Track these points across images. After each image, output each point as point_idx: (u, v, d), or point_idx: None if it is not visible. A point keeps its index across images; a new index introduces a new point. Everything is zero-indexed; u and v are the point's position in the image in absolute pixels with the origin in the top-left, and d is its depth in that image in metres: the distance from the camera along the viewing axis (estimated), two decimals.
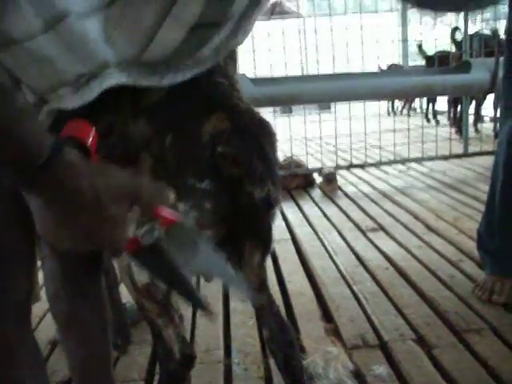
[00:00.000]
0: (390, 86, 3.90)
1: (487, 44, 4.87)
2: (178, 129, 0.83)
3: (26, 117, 0.57)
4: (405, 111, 9.30)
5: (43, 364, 1.28)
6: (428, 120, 7.59)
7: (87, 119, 0.63)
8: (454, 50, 5.55)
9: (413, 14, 8.60)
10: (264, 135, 0.92)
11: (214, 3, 0.74)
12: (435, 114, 7.65)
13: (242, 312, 2.01)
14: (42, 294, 1.95)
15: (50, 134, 0.56)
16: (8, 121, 0.53)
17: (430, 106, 7.84)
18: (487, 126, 6.10)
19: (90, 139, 0.60)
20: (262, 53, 4.27)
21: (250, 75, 3.84)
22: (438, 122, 7.15)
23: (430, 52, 6.50)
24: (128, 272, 0.93)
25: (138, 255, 0.66)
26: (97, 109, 0.88)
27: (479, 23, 6.40)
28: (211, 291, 2.21)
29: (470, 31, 5.12)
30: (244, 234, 0.95)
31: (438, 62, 5.11)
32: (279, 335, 1.08)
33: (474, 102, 5.95)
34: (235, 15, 0.80)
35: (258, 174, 0.87)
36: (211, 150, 0.84)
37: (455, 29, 5.37)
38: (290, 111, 9.09)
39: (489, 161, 3.58)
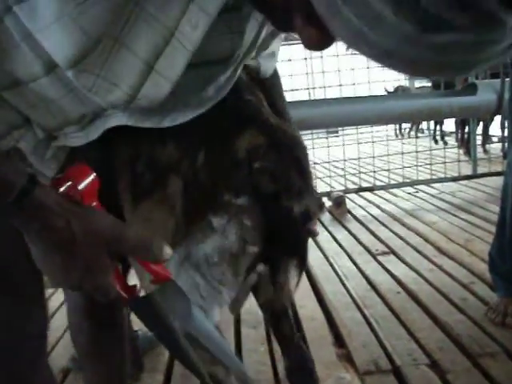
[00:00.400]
0: (396, 110, 3.91)
1: (492, 66, 4.88)
2: (210, 147, 0.80)
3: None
4: (412, 133, 9.34)
5: None
6: (436, 142, 7.60)
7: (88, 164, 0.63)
8: None
9: None
10: (298, 148, 0.90)
11: (222, 39, 0.75)
12: (443, 135, 7.66)
13: (254, 339, 2.00)
14: (53, 321, 1.98)
15: (24, 175, 0.56)
16: None
17: (438, 127, 7.86)
18: (495, 147, 6.09)
19: (85, 183, 0.60)
20: None
21: None
22: (446, 144, 7.15)
23: None
24: None
25: (131, 306, 0.63)
26: (120, 137, 0.89)
27: None
28: (222, 317, 2.20)
29: None
30: (282, 250, 0.90)
31: (443, 83, 5.13)
32: (300, 366, 1.05)
33: (481, 123, 5.96)
34: (241, 53, 0.79)
35: (297, 188, 0.85)
36: (248, 166, 0.81)
37: None
38: None
39: (498, 181, 3.57)
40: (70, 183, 0.59)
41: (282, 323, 1.05)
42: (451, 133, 7.58)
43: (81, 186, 0.60)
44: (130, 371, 1.81)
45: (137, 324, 2.02)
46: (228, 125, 0.83)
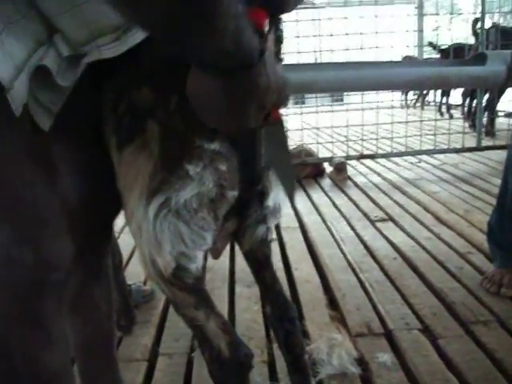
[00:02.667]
0: (403, 76, 3.84)
1: (504, 36, 4.80)
2: (183, 90, 0.77)
3: (244, 13, 0.64)
4: (418, 104, 9.25)
5: None
6: (441, 113, 7.53)
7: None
8: (470, 42, 5.49)
9: (430, 6, 8.53)
10: None
11: None
12: (449, 107, 7.57)
13: (248, 297, 2.01)
14: None
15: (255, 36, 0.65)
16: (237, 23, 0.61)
17: (444, 99, 7.76)
18: (501, 121, 6.03)
19: (267, 27, 0.69)
20: None
21: None
22: (451, 116, 7.08)
23: (445, 45, 6.43)
24: (151, 261, 0.85)
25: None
26: (105, 82, 0.87)
27: (497, 16, 6.32)
28: (217, 275, 2.21)
29: (487, 24, 5.07)
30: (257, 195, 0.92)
31: (453, 54, 5.04)
32: (281, 311, 1.08)
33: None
34: None
35: None
36: None
37: (476, 20, 5.28)
38: (303, 102, 9.06)
39: (502, 155, 3.54)
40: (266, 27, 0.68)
41: (264, 271, 1.07)
42: (457, 106, 7.48)
43: (266, 30, 0.69)
44: (122, 323, 1.83)
45: (130, 278, 2.03)
46: None
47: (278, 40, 0.81)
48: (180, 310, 0.94)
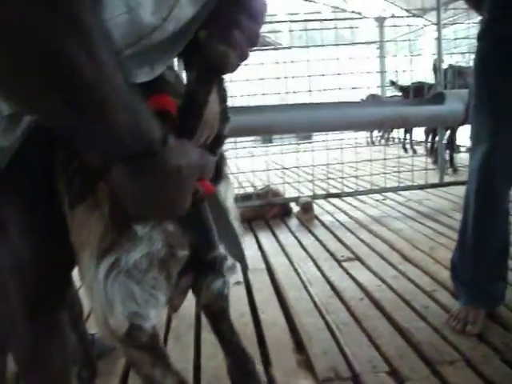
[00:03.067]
0: (365, 117, 3.92)
1: (461, 76, 4.96)
2: None
3: (141, 103, 0.62)
4: (383, 141, 9.44)
5: None
6: (405, 150, 7.68)
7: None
8: (430, 81, 5.65)
9: (390, 46, 8.78)
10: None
11: None
12: (412, 144, 7.75)
13: (215, 344, 1.93)
14: None
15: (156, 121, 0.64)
16: (132, 112, 0.59)
17: (408, 136, 7.94)
18: (463, 156, 6.18)
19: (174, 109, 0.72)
20: (239, 84, 4.30)
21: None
22: (414, 152, 7.23)
23: (407, 83, 6.61)
24: (104, 321, 0.85)
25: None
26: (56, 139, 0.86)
27: (455, 56, 6.53)
28: (183, 321, 2.17)
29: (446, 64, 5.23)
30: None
31: (413, 93, 5.18)
32: (239, 364, 1.06)
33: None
34: None
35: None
36: None
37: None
38: (270, 141, 9.15)
39: (464, 190, 3.59)
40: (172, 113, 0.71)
41: (221, 324, 1.06)
42: (420, 142, 7.65)
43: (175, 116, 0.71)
44: (84, 375, 1.77)
45: (93, 327, 1.97)
46: None
47: (222, 99, 0.82)
48: (137, 368, 0.92)
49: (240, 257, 0.94)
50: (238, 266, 0.98)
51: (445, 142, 5.32)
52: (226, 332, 1.08)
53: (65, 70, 0.50)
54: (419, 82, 6.04)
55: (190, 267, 0.90)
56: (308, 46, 5.01)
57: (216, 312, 1.06)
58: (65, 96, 0.52)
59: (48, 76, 0.50)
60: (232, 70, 0.80)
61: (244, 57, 0.81)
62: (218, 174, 0.91)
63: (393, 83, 7.23)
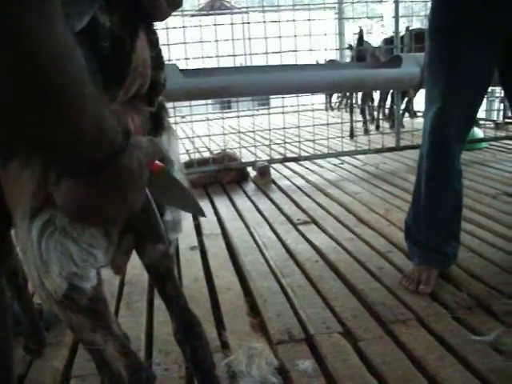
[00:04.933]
0: (322, 80, 3.88)
1: (417, 39, 4.96)
2: None
3: (101, 102, 0.56)
4: (342, 106, 9.44)
5: None
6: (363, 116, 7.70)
7: None
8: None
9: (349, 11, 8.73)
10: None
11: None
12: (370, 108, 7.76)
13: (166, 310, 1.92)
14: None
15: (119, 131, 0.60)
16: (97, 113, 0.54)
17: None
18: (420, 121, 6.23)
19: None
20: (194, 46, 4.19)
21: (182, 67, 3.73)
22: (372, 117, 7.26)
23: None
24: (40, 284, 0.79)
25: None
26: None
27: (414, 20, 6.53)
28: (136, 288, 2.12)
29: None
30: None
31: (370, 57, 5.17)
32: (186, 327, 1.03)
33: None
34: None
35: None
36: None
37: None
38: (229, 107, 9.05)
39: None
40: None
41: (167, 285, 1.03)
42: (378, 107, 7.68)
43: None
44: (31, 346, 1.71)
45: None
46: None
47: (153, 44, 0.77)
48: (76, 333, 0.88)
49: (193, 208, 0.89)
50: (180, 224, 0.93)
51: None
52: (171, 294, 1.04)
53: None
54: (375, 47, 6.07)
55: (132, 225, 0.85)
56: (264, 11, 4.89)
57: (161, 273, 1.02)
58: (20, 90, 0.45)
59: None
60: (162, 16, 0.74)
61: (176, 3, 0.74)
62: (159, 124, 0.85)
63: (350, 47, 7.21)
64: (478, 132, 4.77)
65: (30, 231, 0.75)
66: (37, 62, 0.44)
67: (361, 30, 5.93)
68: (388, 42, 6.61)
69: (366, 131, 5.86)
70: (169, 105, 0.93)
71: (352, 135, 5.68)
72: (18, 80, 0.44)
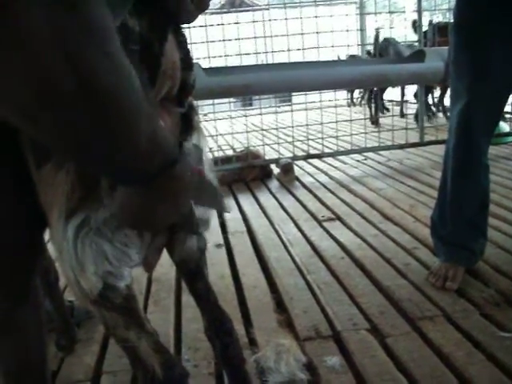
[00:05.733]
0: (345, 76, 3.87)
1: (441, 33, 4.91)
2: None
3: (156, 117, 0.59)
4: (364, 102, 9.38)
5: None
6: (387, 110, 7.66)
7: None
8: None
9: (371, 5, 8.66)
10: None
11: None
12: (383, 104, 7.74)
13: (195, 306, 1.92)
14: None
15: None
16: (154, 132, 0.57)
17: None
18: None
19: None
20: (216, 44, 4.21)
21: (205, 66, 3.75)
22: (387, 111, 7.25)
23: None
24: (76, 283, 0.81)
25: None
26: None
27: (437, 14, 6.48)
28: (163, 285, 2.15)
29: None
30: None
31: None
32: (216, 324, 1.05)
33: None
34: None
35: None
36: None
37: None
38: (250, 104, 9.06)
39: (444, 149, 3.59)
40: None
41: (198, 282, 1.04)
42: (402, 102, 7.62)
43: None
44: (63, 343, 1.75)
45: (70, 294, 1.95)
46: None
47: (182, 46, 0.78)
48: (111, 330, 0.90)
49: (220, 205, 0.92)
50: (209, 221, 0.95)
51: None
52: (202, 291, 1.06)
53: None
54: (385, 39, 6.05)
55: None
56: (285, 7, 4.89)
57: (192, 270, 1.04)
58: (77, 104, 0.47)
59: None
60: (189, 18, 0.76)
61: (203, 5, 0.76)
62: (189, 125, 0.87)
63: (369, 53, 7.18)
64: (505, 126, 4.71)
65: (66, 232, 0.77)
66: (106, 98, 0.48)
67: (377, 32, 5.95)
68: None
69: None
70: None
71: (376, 121, 5.70)
72: (86, 114, 0.48)
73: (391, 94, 7.87)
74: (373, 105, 6.50)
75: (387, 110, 7.64)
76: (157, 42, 0.71)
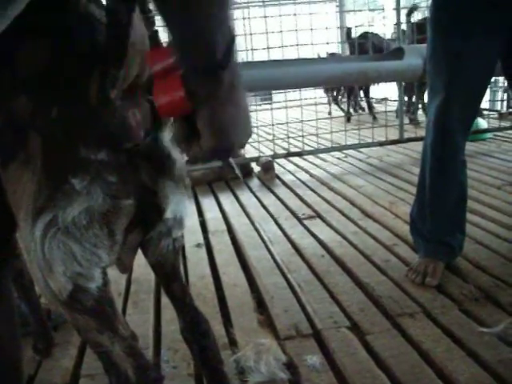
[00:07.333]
0: (324, 73, 3.87)
1: (420, 30, 4.93)
2: (63, 95, 0.72)
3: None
4: (344, 100, 9.41)
5: None
6: (362, 109, 7.69)
7: None
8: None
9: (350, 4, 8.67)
10: None
11: None
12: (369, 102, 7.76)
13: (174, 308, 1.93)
14: None
15: None
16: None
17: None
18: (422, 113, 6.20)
19: None
20: None
21: None
22: (360, 109, 7.30)
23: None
24: (44, 284, 0.79)
25: None
26: None
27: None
28: (142, 286, 2.13)
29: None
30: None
31: (372, 50, 5.15)
32: (193, 325, 1.03)
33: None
34: None
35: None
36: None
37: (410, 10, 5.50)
38: None
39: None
40: None
41: (173, 284, 1.03)
42: (382, 99, 7.65)
43: None
44: (40, 347, 1.72)
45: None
46: (79, 68, 0.74)
47: (150, 23, 0.76)
48: (82, 334, 0.88)
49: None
50: (182, 221, 0.93)
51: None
52: (177, 292, 1.04)
53: None
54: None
55: (138, 224, 0.86)
56: (265, 5, 4.88)
57: (167, 271, 1.02)
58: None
59: None
60: None
61: None
62: (160, 120, 0.84)
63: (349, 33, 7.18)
64: (482, 123, 4.75)
65: (33, 232, 0.75)
66: None
67: (348, 29, 6.03)
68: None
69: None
70: None
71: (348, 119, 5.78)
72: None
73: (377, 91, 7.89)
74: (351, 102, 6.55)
75: (362, 109, 7.66)
76: (123, 11, 0.68)
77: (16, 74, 0.74)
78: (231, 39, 0.68)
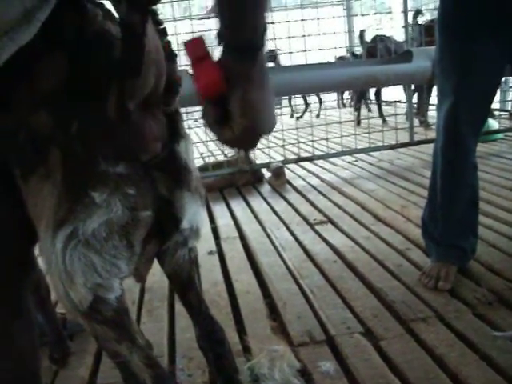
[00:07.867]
0: (333, 78, 3.88)
1: (428, 33, 4.92)
2: (82, 110, 0.74)
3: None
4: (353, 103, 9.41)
5: None
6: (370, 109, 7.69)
7: None
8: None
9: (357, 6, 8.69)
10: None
11: None
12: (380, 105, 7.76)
13: (188, 316, 1.94)
14: None
15: None
16: None
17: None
18: (432, 115, 6.18)
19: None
20: None
21: None
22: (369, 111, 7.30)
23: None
24: (65, 296, 0.80)
25: None
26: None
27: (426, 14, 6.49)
28: (156, 294, 2.14)
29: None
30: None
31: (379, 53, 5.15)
32: (208, 334, 1.04)
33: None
34: None
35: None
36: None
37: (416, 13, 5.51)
38: None
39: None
40: None
41: (189, 293, 1.04)
42: (391, 102, 7.64)
43: None
44: (56, 356, 1.73)
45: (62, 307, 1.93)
46: (96, 82, 0.75)
47: (162, 33, 0.77)
48: (101, 344, 0.89)
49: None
50: (198, 231, 0.95)
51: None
52: (193, 301, 1.06)
53: None
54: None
55: (155, 235, 0.87)
56: (271, 10, 4.89)
57: (183, 281, 1.03)
58: None
59: None
60: None
61: None
62: (177, 132, 0.86)
63: (354, 54, 7.20)
64: (493, 123, 4.73)
65: (54, 244, 0.77)
66: None
67: (361, 32, 6.03)
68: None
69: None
70: (181, 110, 0.93)
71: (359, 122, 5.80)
72: None
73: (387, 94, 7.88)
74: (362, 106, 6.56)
75: (370, 110, 7.67)
76: (138, 22, 0.69)
77: (35, 89, 0.76)
78: (265, 26, 0.73)
